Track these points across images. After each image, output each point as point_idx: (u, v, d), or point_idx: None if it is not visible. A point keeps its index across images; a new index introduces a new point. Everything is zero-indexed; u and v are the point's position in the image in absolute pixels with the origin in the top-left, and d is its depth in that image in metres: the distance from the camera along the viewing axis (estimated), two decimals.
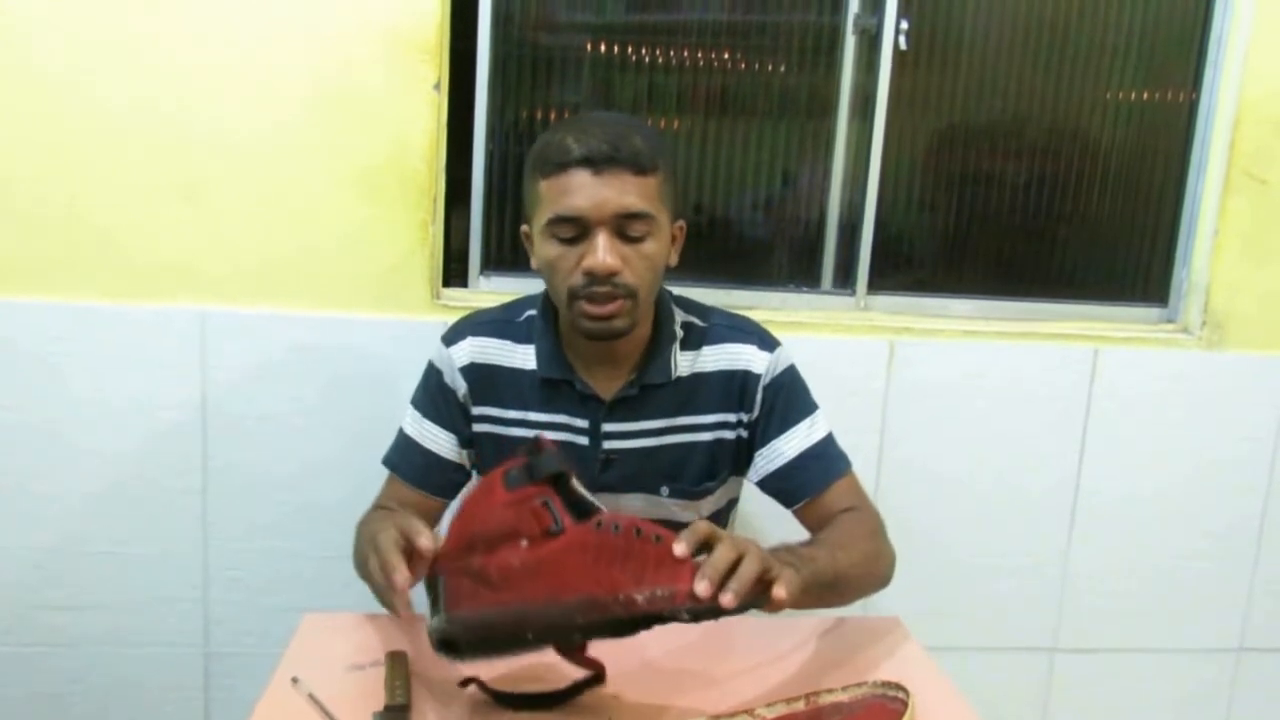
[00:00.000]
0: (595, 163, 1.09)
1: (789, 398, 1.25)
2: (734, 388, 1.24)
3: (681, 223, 1.22)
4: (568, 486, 0.90)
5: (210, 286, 1.63)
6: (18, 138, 1.56)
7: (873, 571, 1.17)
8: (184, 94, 1.57)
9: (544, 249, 1.14)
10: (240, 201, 1.61)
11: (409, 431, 1.27)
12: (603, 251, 1.10)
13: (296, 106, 1.60)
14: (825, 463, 1.24)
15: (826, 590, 1.04)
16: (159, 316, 1.63)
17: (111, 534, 1.68)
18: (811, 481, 1.23)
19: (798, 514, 1.24)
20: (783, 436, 1.24)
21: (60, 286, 1.61)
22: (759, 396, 1.24)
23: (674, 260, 1.21)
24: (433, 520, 1.26)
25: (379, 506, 1.24)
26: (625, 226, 1.11)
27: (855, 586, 1.13)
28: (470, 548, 0.89)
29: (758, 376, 1.24)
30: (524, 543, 0.87)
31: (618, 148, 1.09)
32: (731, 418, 1.25)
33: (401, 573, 0.89)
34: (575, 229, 1.11)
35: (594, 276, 1.10)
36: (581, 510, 0.90)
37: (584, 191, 1.09)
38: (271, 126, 1.60)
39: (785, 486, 1.24)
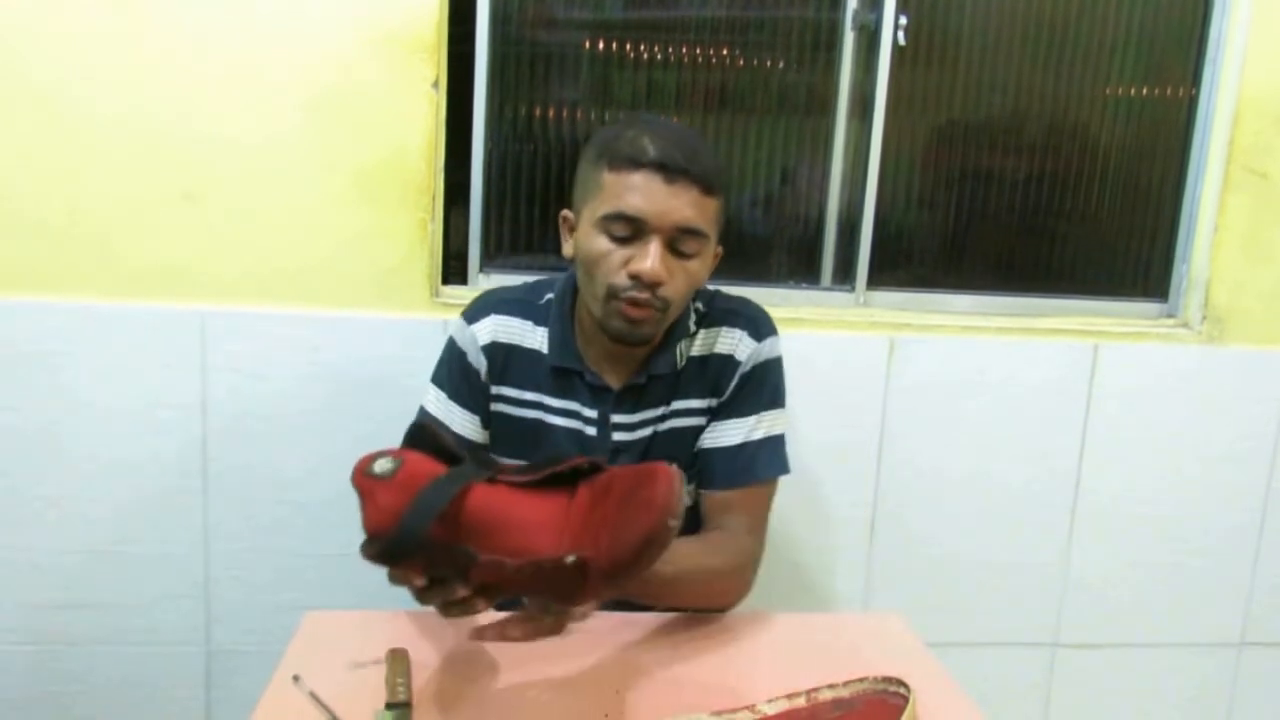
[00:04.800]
0: (670, 170, 1.07)
1: (755, 388, 1.23)
2: (714, 372, 1.23)
3: (720, 248, 1.20)
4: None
5: (210, 287, 1.63)
6: (19, 142, 1.56)
7: (706, 593, 1.14)
8: (182, 95, 1.57)
9: (591, 241, 1.12)
10: (240, 201, 1.61)
11: (433, 411, 1.24)
12: (654, 260, 1.08)
13: (295, 106, 1.60)
14: (746, 464, 1.22)
15: (653, 585, 1.02)
16: (159, 317, 1.63)
17: (112, 533, 1.68)
18: (721, 476, 1.21)
19: (702, 498, 1.23)
20: (729, 422, 1.22)
21: (61, 287, 1.61)
22: (733, 382, 1.23)
23: (705, 282, 1.20)
24: None
25: None
26: (680, 240, 1.10)
27: (681, 595, 1.11)
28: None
29: (738, 364, 1.23)
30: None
31: (693, 161, 1.08)
32: (711, 403, 1.24)
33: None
34: (631, 229, 1.09)
35: (639, 281, 1.09)
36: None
37: (652, 195, 1.08)
38: (270, 126, 1.60)
39: (701, 469, 1.23)
